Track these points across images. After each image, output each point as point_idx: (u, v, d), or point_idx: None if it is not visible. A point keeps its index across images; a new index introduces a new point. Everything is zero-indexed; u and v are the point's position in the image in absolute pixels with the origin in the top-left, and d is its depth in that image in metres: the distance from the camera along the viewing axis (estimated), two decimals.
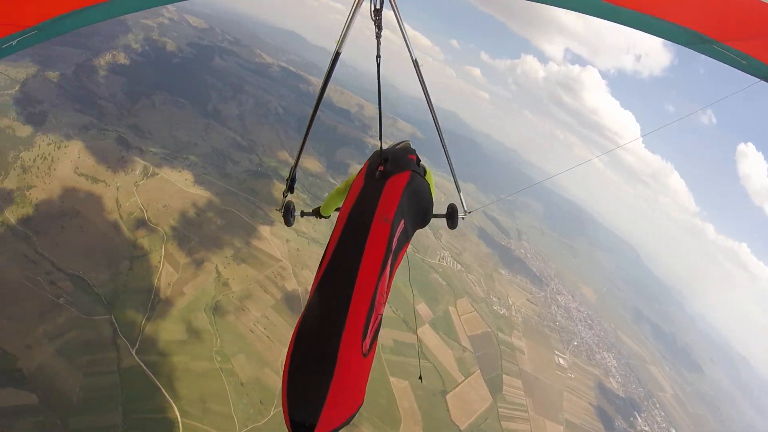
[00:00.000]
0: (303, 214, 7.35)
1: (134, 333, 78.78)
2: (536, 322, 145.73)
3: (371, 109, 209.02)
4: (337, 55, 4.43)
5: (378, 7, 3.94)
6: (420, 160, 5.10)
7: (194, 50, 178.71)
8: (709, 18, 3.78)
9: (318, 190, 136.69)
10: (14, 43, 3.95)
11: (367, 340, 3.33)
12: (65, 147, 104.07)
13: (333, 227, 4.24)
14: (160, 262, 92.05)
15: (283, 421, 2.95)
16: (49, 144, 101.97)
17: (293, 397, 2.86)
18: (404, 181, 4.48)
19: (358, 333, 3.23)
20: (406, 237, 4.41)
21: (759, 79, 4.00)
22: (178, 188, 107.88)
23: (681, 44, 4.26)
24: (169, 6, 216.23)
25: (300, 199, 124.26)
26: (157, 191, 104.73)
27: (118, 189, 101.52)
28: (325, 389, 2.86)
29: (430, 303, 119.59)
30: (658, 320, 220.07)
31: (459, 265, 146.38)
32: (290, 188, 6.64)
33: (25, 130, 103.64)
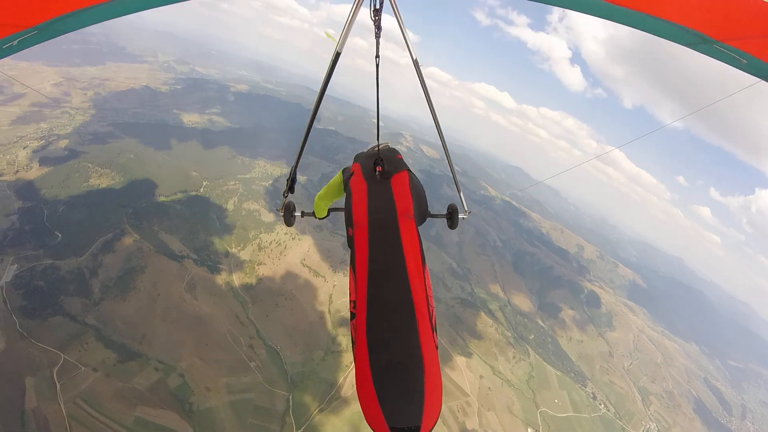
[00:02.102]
0: (304, 214, 7.79)
1: (303, 417, 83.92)
2: None
3: (591, 251, 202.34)
4: (337, 55, 4.74)
5: (377, 7, 4.30)
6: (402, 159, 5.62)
7: (425, 177, 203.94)
8: (710, 18, 4.00)
9: (524, 330, 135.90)
10: (15, 43, 4.21)
11: (435, 333, 3.55)
12: (299, 239, 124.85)
13: (346, 228, 4.61)
14: (351, 363, 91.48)
15: None
16: (285, 233, 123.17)
17: (390, 403, 2.89)
18: (407, 180, 4.89)
19: (428, 327, 3.41)
20: None
21: (760, 79, 4.21)
22: None
23: (682, 44, 4.45)
24: (407, 135, 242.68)
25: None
26: None
27: (334, 287, 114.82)
28: (421, 387, 2.96)
29: None
30: None
31: None
32: (290, 188, 7.01)
33: (269, 217, 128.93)
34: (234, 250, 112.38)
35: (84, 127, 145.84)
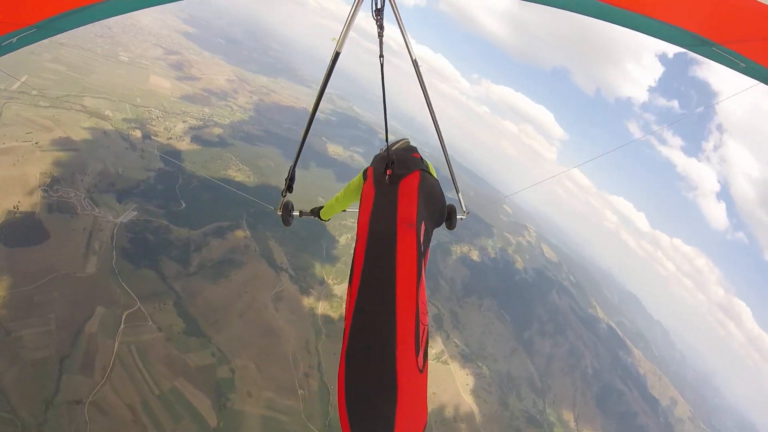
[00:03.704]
0: (302, 213, 7.79)
1: None
2: None
3: (683, 410, 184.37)
4: (336, 55, 4.67)
5: (379, 6, 4.23)
6: (423, 158, 5.42)
7: (537, 276, 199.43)
8: (709, 20, 4.04)
9: None
10: (14, 41, 4.20)
11: (420, 356, 3.44)
12: None
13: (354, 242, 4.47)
14: None
15: None
16: None
17: (359, 430, 2.96)
18: (416, 182, 4.72)
19: (410, 350, 3.34)
20: (429, 239, 4.63)
21: (758, 82, 4.20)
22: (454, 387, 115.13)
23: (680, 46, 4.48)
24: (531, 229, 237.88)
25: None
26: (436, 378, 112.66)
27: None
28: (392, 416, 2.97)
29: None
30: None
31: None
32: (289, 187, 6.82)
33: None
34: (330, 281, 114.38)
35: (239, 125, 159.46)
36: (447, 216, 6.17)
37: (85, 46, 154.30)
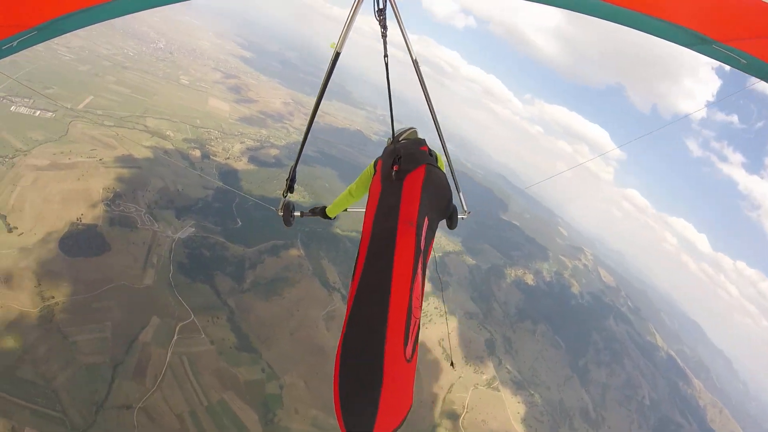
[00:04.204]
0: (303, 214, 7.85)
1: None
2: None
3: None
4: (336, 55, 4.79)
5: (381, 6, 4.33)
6: (431, 151, 5.57)
7: (594, 302, 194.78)
8: (709, 18, 4.07)
9: None
10: (15, 44, 4.23)
11: (409, 346, 3.70)
12: (446, 318, 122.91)
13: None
14: None
15: None
16: (435, 308, 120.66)
17: (347, 411, 3.22)
18: (421, 177, 4.84)
19: (399, 341, 3.59)
20: (432, 233, 4.82)
21: (759, 79, 4.26)
22: (505, 415, 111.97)
23: (680, 45, 4.51)
24: (587, 252, 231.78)
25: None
26: (486, 404, 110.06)
27: (459, 377, 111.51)
28: (376, 400, 3.22)
29: None
30: None
31: None
32: (290, 188, 7.04)
33: (427, 287, 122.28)
34: None
35: (295, 146, 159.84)
36: (448, 216, 6.40)
37: (148, 69, 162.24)
